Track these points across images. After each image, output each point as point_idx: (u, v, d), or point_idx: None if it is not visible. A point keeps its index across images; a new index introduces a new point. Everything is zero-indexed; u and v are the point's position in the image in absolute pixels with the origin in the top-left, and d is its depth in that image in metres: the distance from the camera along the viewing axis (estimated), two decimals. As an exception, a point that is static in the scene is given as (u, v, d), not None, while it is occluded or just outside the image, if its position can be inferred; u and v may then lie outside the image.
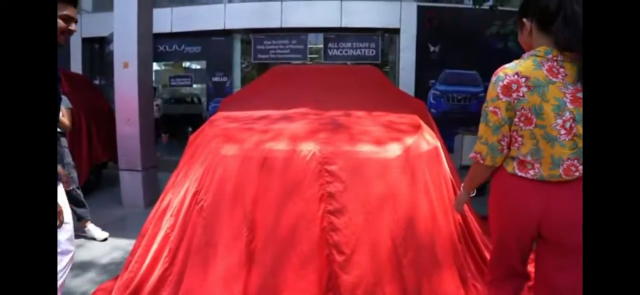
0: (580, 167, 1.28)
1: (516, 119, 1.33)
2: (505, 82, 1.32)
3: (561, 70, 1.29)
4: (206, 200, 1.98)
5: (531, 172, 1.33)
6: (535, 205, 1.33)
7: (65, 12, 1.64)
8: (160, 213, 2.21)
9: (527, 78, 1.29)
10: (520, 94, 1.30)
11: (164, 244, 2.04)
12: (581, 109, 1.25)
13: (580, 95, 1.26)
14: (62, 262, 1.78)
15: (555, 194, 1.32)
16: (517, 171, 1.36)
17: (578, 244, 1.20)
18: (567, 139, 1.28)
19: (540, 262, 1.45)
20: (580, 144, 1.27)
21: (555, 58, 1.30)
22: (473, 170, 1.51)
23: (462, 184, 1.64)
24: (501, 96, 1.32)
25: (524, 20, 1.40)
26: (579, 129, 1.26)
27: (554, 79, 1.28)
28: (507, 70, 1.33)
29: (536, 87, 1.28)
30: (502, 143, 1.37)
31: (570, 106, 1.27)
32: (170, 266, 1.97)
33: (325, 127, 2.20)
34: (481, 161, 1.42)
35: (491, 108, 1.35)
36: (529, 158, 1.33)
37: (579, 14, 1.24)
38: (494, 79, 1.36)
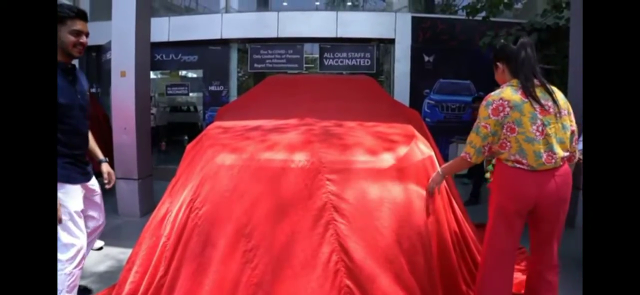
0: (555, 156, 1.80)
1: (504, 130, 1.85)
2: (494, 106, 1.84)
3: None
4: (202, 209, 1.99)
5: (525, 165, 1.82)
6: (532, 189, 1.83)
7: (75, 28, 1.77)
8: (157, 221, 2.21)
9: (509, 101, 1.82)
10: (506, 113, 1.82)
11: (160, 252, 2.04)
12: (547, 116, 1.81)
13: (546, 107, 1.81)
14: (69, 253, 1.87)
15: (544, 180, 1.82)
16: (516, 164, 1.84)
17: (562, 216, 1.87)
18: (541, 138, 1.80)
19: (536, 235, 1.95)
20: (550, 141, 1.80)
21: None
22: (457, 164, 2.06)
23: (441, 168, 2.13)
24: (491, 116, 1.84)
25: (498, 64, 1.97)
26: (547, 130, 1.80)
27: (525, 100, 1.82)
28: (494, 97, 1.86)
29: (515, 106, 1.81)
30: (485, 148, 1.90)
31: (539, 116, 1.81)
32: (164, 274, 1.96)
33: (321, 137, 2.22)
34: (469, 159, 1.94)
35: (483, 123, 1.87)
36: (517, 156, 1.83)
37: (531, 55, 1.84)
38: (484, 103, 1.88)
